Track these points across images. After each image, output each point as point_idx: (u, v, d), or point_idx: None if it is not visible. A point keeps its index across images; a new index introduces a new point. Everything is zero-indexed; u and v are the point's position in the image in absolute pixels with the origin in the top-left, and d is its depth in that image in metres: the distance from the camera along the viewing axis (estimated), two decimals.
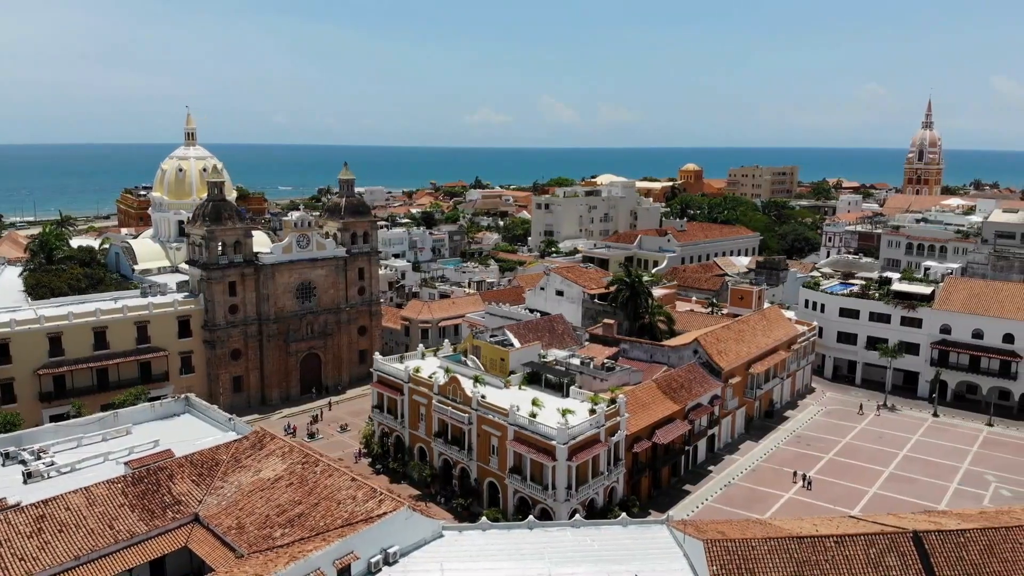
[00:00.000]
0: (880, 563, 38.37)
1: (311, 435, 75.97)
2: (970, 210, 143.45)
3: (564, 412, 55.08)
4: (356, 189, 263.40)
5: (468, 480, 62.12)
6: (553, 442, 54.14)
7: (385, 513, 41.02)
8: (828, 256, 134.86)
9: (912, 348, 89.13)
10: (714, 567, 37.96)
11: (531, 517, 45.79)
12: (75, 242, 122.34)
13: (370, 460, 70.46)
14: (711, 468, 69.69)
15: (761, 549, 38.70)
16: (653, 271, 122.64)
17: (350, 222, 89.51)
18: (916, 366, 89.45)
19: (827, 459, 71.45)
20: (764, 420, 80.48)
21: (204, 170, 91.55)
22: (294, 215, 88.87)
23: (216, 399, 79.11)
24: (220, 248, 79.99)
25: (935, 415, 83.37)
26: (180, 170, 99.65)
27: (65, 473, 51.43)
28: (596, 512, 56.74)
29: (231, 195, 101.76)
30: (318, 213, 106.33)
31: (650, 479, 63.44)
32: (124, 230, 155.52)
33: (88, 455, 53.92)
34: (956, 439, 77.10)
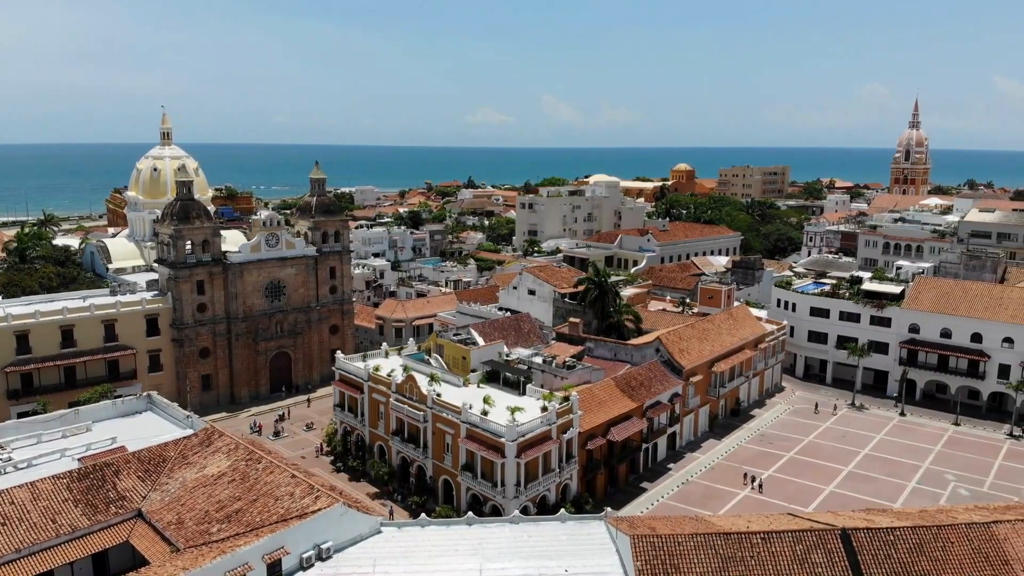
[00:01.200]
0: (806, 560, 38.66)
1: (276, 433, 76.42)
2: (947, 210, 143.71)
3: (513, 410, 55.40)
4: (346, 189, 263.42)
5: (424, 478, 62.52)
6: (502, 439, 54.52)
7: (319, 509, 41.46)
8: (809, 256, 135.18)
9: (881, 347, 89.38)
10: (639, 562, 38.31)
11: (470, 513, 46.18)
12: (58, 241, 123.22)
13: (332, 459, 70.91)
14: (671, 466, 70.00)
15: (687, 545, 39.00)
16: (632, 270, 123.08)
17: (321, 221, 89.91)
18: (885, 365, 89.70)
19: (788, 457, 71.74)
20: (730, 418, 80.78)
21: (179, 169, 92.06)
22: (263, 214, 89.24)
23: (184, 397, 79.64)
24: (188, 247, 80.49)
25: (902, 414, 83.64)
26: (155, 170, 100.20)
27: (21, 469, 51.71)
28: (548, 509, 57.03)
29: (207, 194, 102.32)
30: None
31: (606, 476, 63.77)
32: (111, 229, 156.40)
33: (46, 451, 54.34)
34: (921, 438, 77.33)
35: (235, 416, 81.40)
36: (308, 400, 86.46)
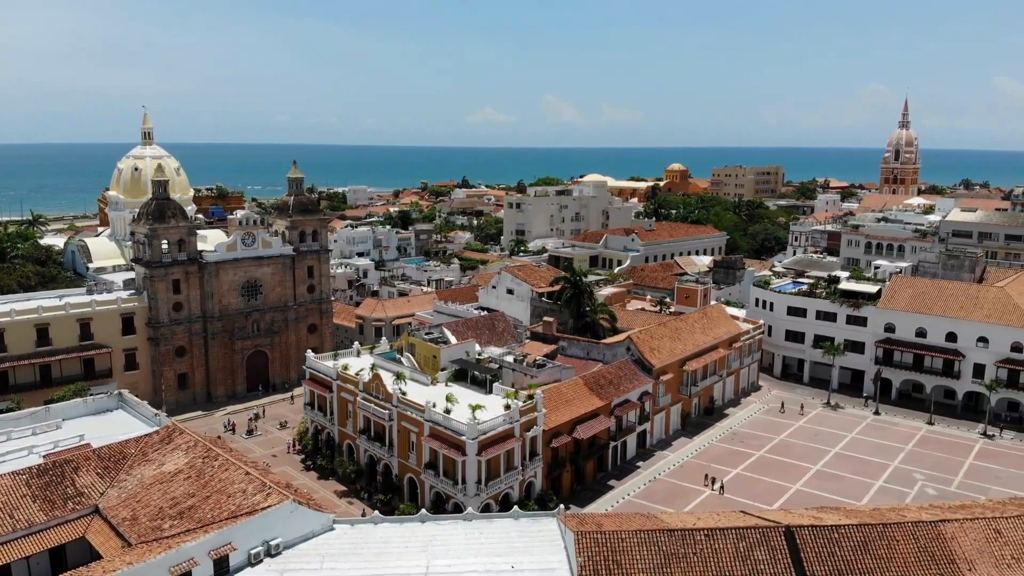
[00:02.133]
0: (749, 557, 38.95)
1: (250, 432, 76.77)
2: (929, 209, 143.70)
3: (474, 408, 55.69)
4: (340, 188, 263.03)
5: (391, 476, 62.85)
6: (463, 437, 54.84)
7: (269, 506, 41.79)
8: (794, 255, 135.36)
9: (858, 347, 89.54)
10: (581, 557, 38.65)
11: (423, 511, 46.48)
12: (45, 241, 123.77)
13: (302, 457, 71.28)
14: (640, 464, 70.25)
15: (630, 541, 39.29)
16: (616, 270, 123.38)
17: (298, 220, 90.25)
18: (862, 364, 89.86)
19: (757, 456, 71.96)
20: (703, 417, 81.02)
21: (157, 169, 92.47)
22: (240, 213, 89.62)
23: (160, 396, 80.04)
24: (165, 246, 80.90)
25: (876, 413, 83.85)
26: (136, 169, 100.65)
27: None
28: (511, 506, 57.14)
29: (188, 194, 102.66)
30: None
31: (572, 474, 64.04)
32: (101, 228, 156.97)
33: (14, 448, 54.84)
34: (893, 437, 77.52)
35: (211, 415, 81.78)
36: (292, 397, 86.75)
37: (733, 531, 39.97)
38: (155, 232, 79.55)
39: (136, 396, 66.51)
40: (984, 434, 78.88)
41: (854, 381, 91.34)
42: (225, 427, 76.87)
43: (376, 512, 47.45)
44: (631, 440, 70.85)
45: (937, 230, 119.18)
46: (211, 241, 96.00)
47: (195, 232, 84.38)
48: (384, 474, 63.42)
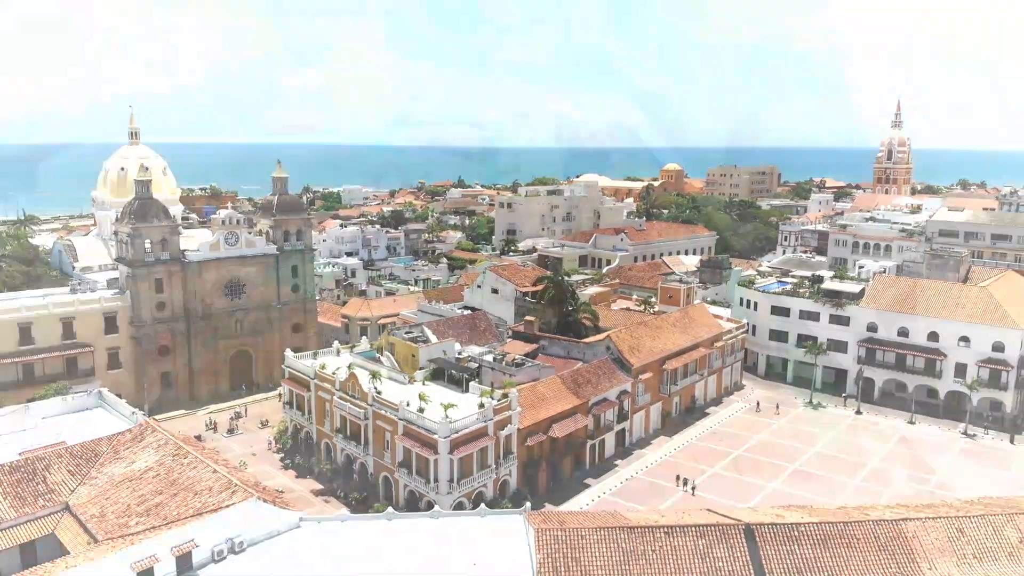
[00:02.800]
0: (708, 554, 39.16)
1: (231, 430, 77.05)
2: (916, 209, 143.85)
3: (447, 407, 55.95)
4: (335, 188, 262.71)
5: (366, 475, 63.11)
6: (435, 436, 55.12)
7: (234, 503, 42.12)
8: (784, 255, 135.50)
9: (841, 346, 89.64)
10: (541, 555, 38.92)
11: (389, 508, 46.74)
12: (37, 241, 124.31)
13: (281, 455, 71.55)
14: (618, 462, 70.47)
15: (590, 538, 39.53)
16: (604, 269, 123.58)
17: (282, 219, 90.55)
18: (845, 364, 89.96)
19: (735, 455, 72.15)
20: (684, 416, 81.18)
21: (142, 169, 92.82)
22: (223, 213, 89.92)
23: (143, 395, 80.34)
24: (148, 246, 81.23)
25: (858, 412, 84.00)
26: (122, 169, 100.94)
27: None
28: (486, 504, 57.43)
29: (174, 194, 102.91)
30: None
31: (548, 472, 64.24)
32: (94, 228, 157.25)
33: None
34: (873, 436, 77.72)
35: (193, 414, 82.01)
36: (279, 395, 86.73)
37: (693, 528, 40.17)
38: (137, 231, 79.90)
39: (120, 395, 66.78)
40: (965, 433, 79.02)
41: (838, 380, 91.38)
42: (207, 426, 77.14)
43: (344, 510, 47.60)
44: (609, 438, 71.05)
45: (924, 230, 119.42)
46: (197, 240, 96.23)
47: (178, 231, 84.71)
48: (360, 473, 63.68)
